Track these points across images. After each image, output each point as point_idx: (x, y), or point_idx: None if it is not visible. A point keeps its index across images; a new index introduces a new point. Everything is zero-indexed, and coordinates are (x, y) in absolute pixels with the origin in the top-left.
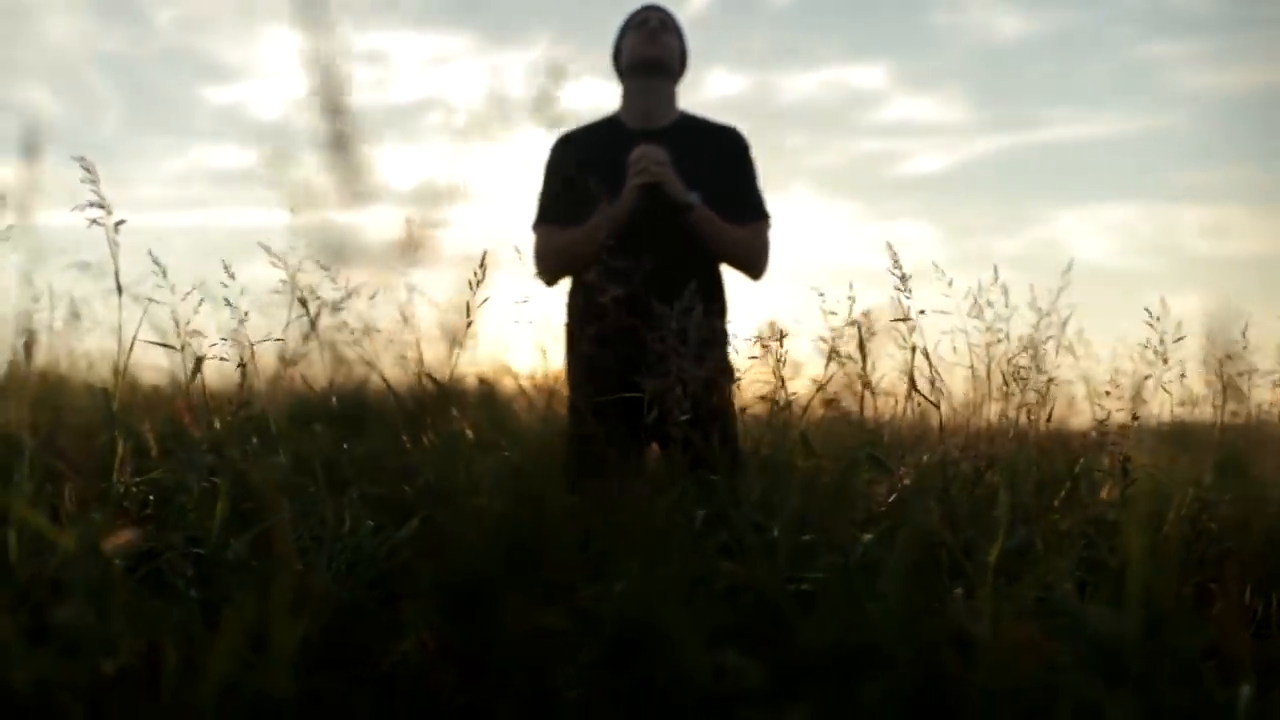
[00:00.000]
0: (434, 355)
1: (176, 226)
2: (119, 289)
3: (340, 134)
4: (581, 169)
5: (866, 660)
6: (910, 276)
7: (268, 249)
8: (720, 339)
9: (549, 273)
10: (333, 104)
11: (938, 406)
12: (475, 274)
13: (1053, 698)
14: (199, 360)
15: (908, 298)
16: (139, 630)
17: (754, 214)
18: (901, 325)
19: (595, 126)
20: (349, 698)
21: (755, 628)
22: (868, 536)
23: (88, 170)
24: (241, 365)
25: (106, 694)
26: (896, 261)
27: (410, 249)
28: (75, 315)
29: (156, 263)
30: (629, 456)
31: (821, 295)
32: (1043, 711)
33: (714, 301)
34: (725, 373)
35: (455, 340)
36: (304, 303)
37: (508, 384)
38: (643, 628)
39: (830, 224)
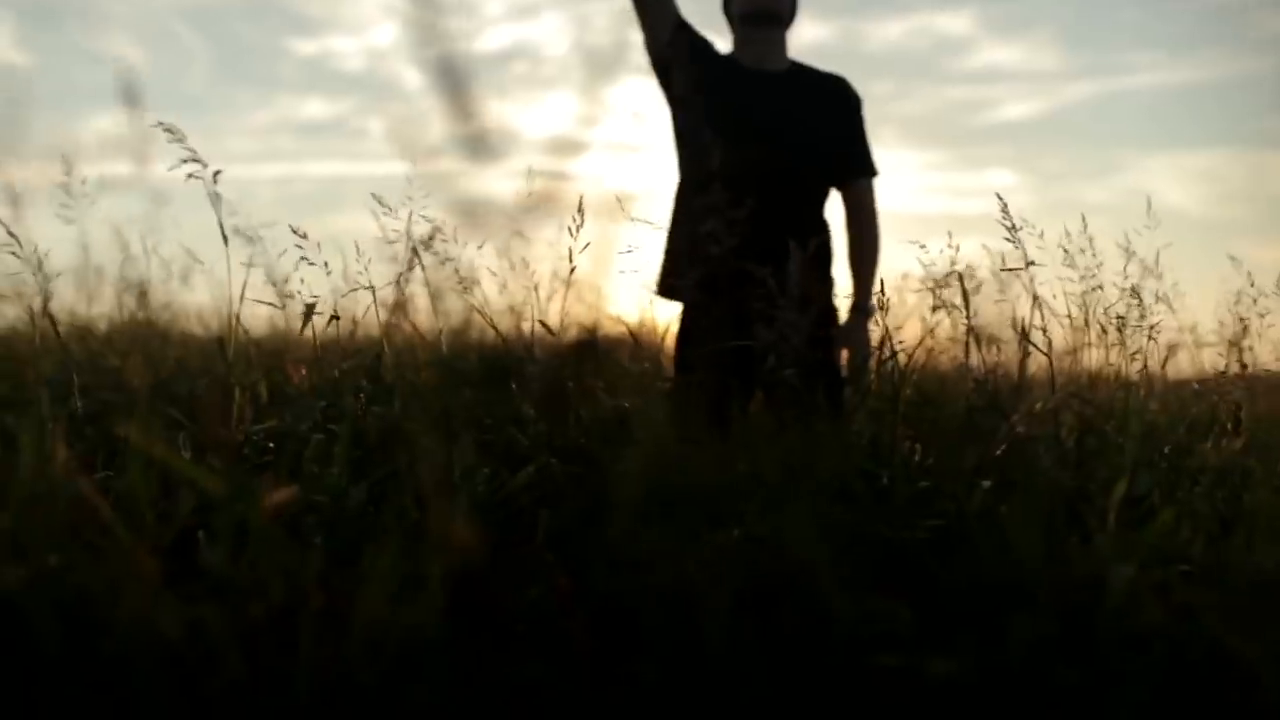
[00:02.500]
0: (542, 304)
1: (266, 177)
2: (224, 239)
3: (462, 81)
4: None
5: (1011, 604)
6: (1021, 227)
7: (388, 198)
8: (827, 287)
9: None
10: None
11: (1049, 355)
12: (574, 219)
13: (1188, 642)
14: (309, 309)
15: (1017, 247)
16: (280, 576)
17: (867, 170)
18: (1004, 275)
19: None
20: (491, 642)
21: (882, 574)
22: (985, 484)
23: (171, 131)
24: (369, 304)
25: (257, 639)
26: (1005, 211)
27: (536, 201)
28: (183, 267)
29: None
30: (736, 404)
31: (923, 247)
32: (1178, 656)
33: (821, 250)
34: (831, 320)
35: (564, 288)
36: (417, 252)
37: (615, 333)
38: (779, 573)
39: (919, 171)
